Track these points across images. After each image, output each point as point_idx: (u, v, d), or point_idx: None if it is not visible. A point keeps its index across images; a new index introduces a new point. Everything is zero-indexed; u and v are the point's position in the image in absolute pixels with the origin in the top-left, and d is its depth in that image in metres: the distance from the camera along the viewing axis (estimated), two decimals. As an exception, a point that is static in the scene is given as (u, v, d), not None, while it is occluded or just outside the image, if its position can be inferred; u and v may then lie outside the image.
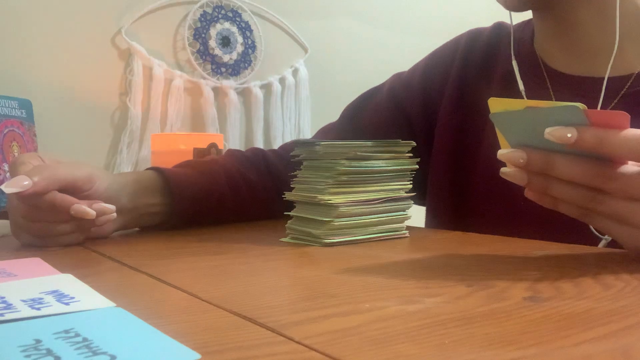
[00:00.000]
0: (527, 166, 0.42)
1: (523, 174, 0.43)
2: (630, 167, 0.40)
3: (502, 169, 0.44)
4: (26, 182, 0.50)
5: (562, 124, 0.39)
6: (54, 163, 0.56)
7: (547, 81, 0.68)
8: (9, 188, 0.49)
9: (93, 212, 0.53)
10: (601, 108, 0.62)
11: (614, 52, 0.61)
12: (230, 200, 0.70)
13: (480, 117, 0.72)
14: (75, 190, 0.55)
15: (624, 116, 0.39)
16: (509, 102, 0.43)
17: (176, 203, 0.65)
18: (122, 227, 0.62)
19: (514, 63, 0.69)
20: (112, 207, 0.55)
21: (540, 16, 0.69)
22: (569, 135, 0.38)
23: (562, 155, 0.41)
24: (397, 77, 0.84)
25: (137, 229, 0.66)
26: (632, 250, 0.44)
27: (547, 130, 0.39)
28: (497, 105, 0.43)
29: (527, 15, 0.75)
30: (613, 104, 0.62)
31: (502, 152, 0.43)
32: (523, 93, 0.67)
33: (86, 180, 0.56)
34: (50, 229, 0.54)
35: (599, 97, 0.62)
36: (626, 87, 0.62)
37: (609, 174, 0.40)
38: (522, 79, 0.68)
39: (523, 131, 0.42)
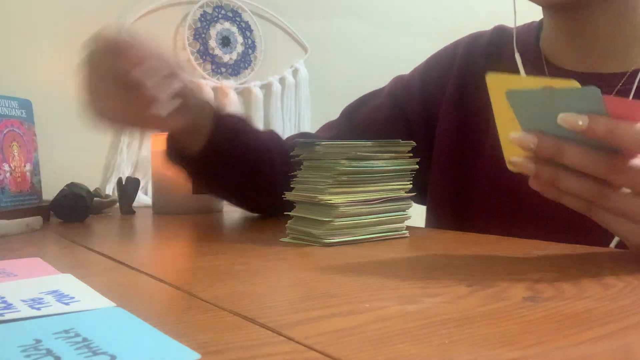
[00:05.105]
0: (536, 151, 0.41)
1: (531, 164, 0.42)
2: (639, 161, 0.39)
3: (512, 158, 0.43)
4: None
5: (577, 108, 0.38)
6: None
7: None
8: None
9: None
10: None
11: None
12: (247, 160, 0.71)
13: (482, 116, 0.72)
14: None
15: (637, 105, 0.38)
16: (508, 78, 0.42)
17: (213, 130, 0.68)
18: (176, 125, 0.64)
19: (517, 56, 0.70)
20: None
21: (556, 16, 0.70)
22: (580, 122, 0.38)
23: (573, 144, 0.40)
24: (398, 79, 0.84)
25: (137, 229, 0.66)
26: (634, 247, 0.44)
27: (560, 115, 0.38)
28: (496, 81, 0.43)
29: (529, 17, 0.76)
30: None
31: (514, 135, 0.42)
32: None
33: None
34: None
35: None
36: (620, 83, 0.64)
37: (618, 167, 0.39)
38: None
39: (538, 113, 0.41)
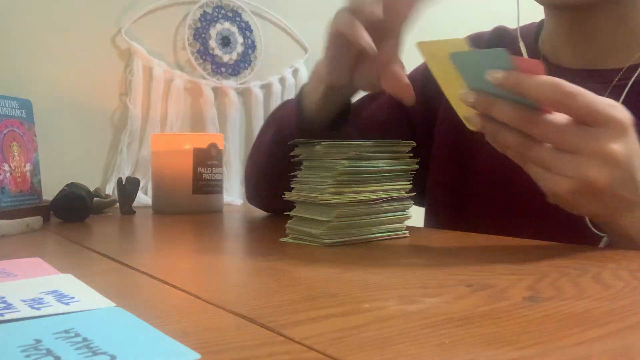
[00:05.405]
0: (474, 106, 0.47)
1: (479, 119, 0.48)
2: (557, 117, 0.45)
3: (465, 114, 0.49)
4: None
5: (497, 67, 0.45)
6: None
7: None
8: None
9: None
10: None
11: None
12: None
13: None
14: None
15: (537, 64, 0.44)
16: (436, 43, 0.48)
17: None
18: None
19: (521, 45, 0.72)
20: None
21: (559, 16, 0.70)
22: (497, 76, 0.44)
23: (503, 100, 0.46)
24: None
25: (137, 229, 0.66)
26: (551, 197, 0.48)
27: (488, 71, 0.45)
28: (427, 48, 0.49)
29: (529, 19, 0.76)
30: (606, 94, 0.64)
31: (460, 92, 0.48)
32: None
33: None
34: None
35: (592, 88, 0.64)
36: (617, 78, 0.65)
37: (535, 120, 0.45)
38: None
39: (476, 73, 0.46)
